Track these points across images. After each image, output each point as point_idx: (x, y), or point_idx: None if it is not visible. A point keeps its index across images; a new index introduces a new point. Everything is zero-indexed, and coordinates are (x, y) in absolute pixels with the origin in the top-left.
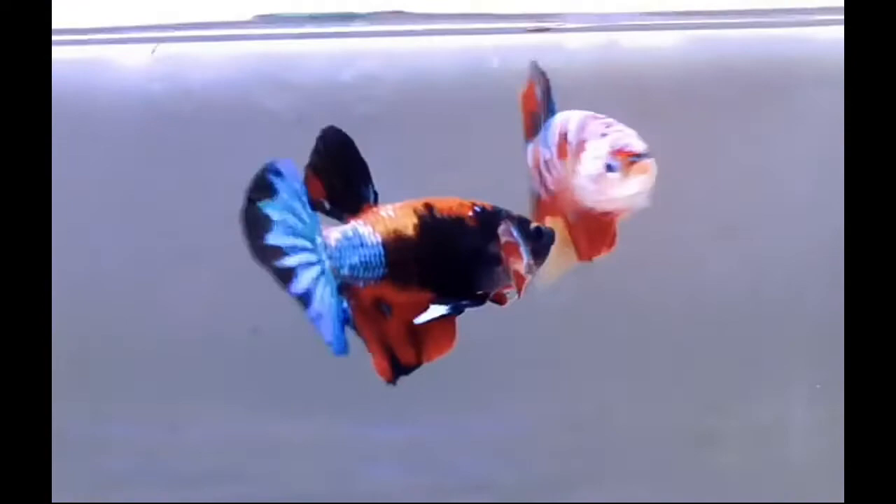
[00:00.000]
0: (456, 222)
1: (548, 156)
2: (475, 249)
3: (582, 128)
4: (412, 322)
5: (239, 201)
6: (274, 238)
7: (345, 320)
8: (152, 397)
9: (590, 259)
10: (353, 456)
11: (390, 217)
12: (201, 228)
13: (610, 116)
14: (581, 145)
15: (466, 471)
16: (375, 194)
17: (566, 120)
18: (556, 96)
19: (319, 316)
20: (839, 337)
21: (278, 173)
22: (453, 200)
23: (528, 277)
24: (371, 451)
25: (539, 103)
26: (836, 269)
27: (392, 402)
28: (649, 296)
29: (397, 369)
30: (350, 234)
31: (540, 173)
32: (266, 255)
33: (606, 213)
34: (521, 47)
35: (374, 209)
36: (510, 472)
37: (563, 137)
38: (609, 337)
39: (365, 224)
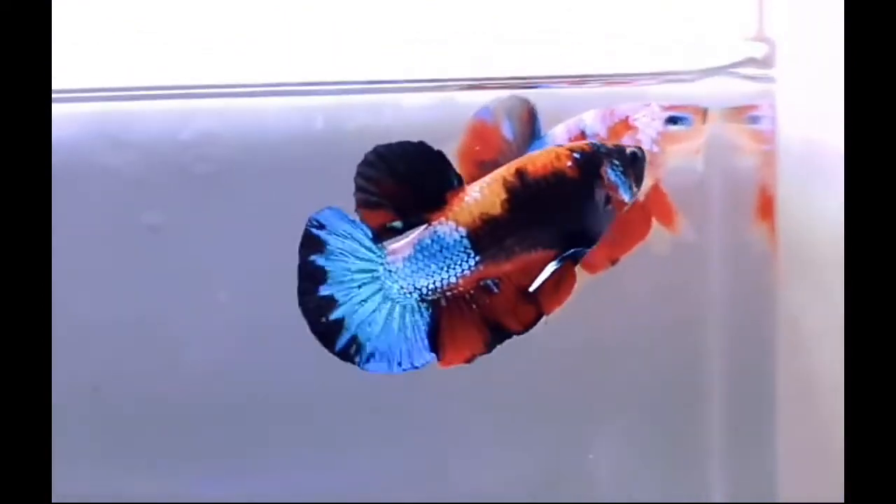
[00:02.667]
0: (554, 178)
1: None
2: (580, 197)
3: (606, 115)
4: (526, 286)
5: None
6: (328, 288)
7: (431, 328)
8: None
9: (611, 264)
10: None
11: (476, 201)
12: None
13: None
14: (624, 123)
15: None
16: (458, 178)
17: (569, 126)
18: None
19: (377, 353)
20: (679, 380)
21: (320, 226)
22: (549, 154)
23: (630, 203)
24: None
25: (507, 142)
26: (674, 317)
27: (232, 457)
28: None
29: (497, 340)
30: (427, 241)
31: None
32: (321, 308)
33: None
34: (354, 106)
35: (460, 195)
36: None
37: (580, 136)
38: (448, 386)
39: (447, 221)
